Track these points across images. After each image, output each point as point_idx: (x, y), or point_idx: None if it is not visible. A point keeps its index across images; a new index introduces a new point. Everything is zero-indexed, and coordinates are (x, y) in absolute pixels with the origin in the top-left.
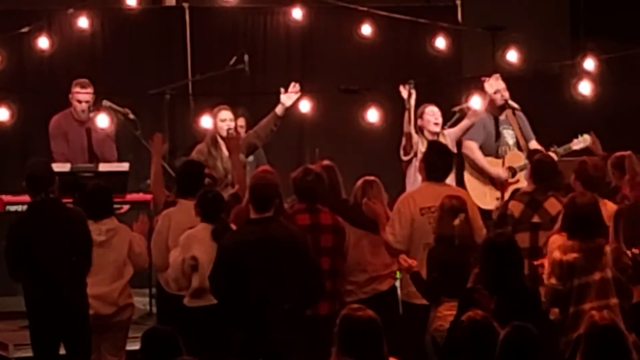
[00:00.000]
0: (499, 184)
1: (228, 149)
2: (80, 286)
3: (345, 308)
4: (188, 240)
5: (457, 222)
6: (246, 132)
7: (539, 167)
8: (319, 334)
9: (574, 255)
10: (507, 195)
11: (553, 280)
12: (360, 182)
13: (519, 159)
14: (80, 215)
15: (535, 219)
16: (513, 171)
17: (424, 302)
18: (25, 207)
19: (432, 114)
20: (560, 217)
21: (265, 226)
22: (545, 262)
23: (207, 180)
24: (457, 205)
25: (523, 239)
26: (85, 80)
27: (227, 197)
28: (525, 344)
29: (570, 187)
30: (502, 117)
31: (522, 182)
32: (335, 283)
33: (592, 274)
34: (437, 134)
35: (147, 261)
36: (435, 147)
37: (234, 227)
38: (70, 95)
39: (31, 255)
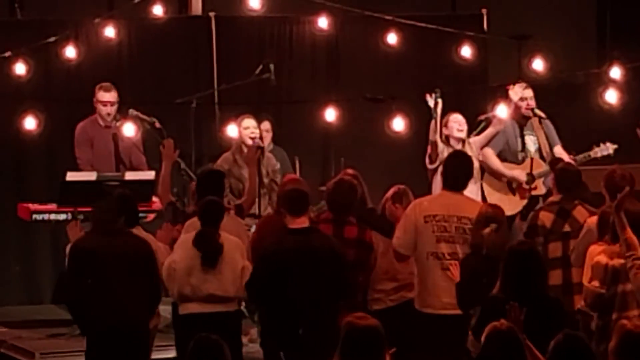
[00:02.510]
0: (516, 188)
1: (246, 160)
2: (144, 314)
3: (349, 315)
4: (177, 244)
5: (487, 231)
6: (272, 136)
7: (563, 176)
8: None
9: (620, 261)
10: (524, 202)
11: (596, 284)
12: (391, 190)
13: (539, 166)
14: (146, 247)
15: (566, 228)
16: (531, 178)
17: (434, 311)
18: (52, 216)
19: (456, 121)
20: (596, 225)
21: (306, 236)
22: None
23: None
24: (491, 215)
25: (555, 249)
26: (108, 84)
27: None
28: (577, 353)
29: (596, 197)
30: (526, 124)
31: (540, 189)
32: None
33: None
34: (463, 141)
35: None
36: (456, 157)
37: (222, 234)
38: (94, 100)
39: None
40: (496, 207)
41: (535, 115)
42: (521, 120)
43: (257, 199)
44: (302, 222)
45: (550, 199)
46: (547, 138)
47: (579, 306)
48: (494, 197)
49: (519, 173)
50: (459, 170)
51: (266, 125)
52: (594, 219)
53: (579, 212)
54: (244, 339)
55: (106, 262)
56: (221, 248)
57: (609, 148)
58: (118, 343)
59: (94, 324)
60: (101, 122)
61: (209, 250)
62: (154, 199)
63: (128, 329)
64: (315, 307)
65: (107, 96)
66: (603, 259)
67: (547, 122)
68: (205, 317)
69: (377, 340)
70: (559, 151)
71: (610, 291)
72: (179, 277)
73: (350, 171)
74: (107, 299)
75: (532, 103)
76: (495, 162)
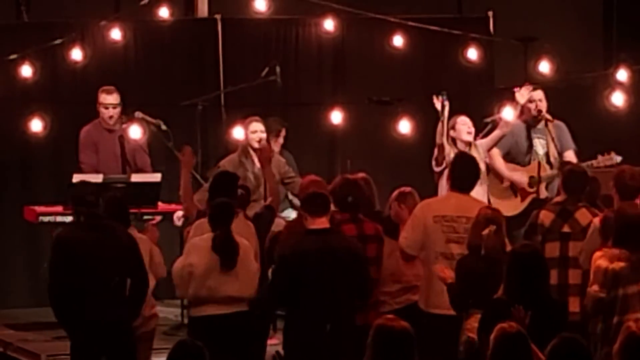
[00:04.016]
0: (518, 190)
1: (260, 161)
2: (124, 303)
3: (379, 318)
4: (190, 246)
5: (486, 232)
6: (283, 144)
7: (570, 178)
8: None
9: (621, 264)
10: (525, 205)
11: (596, 288)
12: (395, 192)
13: (543, 171)
14: (127, 236)
15: (566, 229)
16: (536, 180)
17: (442, 311)
18: (58, 218)
19: (464, 123)
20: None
21: (325, 237)
22: None
23: (240, 191)
24: (490, 217)
25: (553, 249)
26: (111, 87)
27: (260, 210)
28: (575, 355)
29: (607, 198)
30: (538, 127)
31: (542, 192)
32: (376, 293)
33: (636, 284)
34: (470, 143)
35: (166, 270)
36: (462, 158)
37: (238, 239)
38: (97, 104)
39: (77, 270)
40: (495, 209)
41: (542, 118)
42: (531, 122)
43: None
44: (322, 223)
45: (555, 199)
46: (556, 142)
47: None
48: (496, 198)
49: (519, 176)
50: (465, 171)
51: (283, 132)
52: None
53: (582, 214)
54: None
55: (91, 257)
56: (238, 249)
57: (613, 159)
58: (101, 338)
59: (78, 320)
60: (105, 126)
61: (229, 252)
62: (160, 202)
63: (111, 324)
64: (335, 307)
65: (109, 99)
66: (603, 262)
67: (561, 126)
68: (220, 318)
69: (410, 343)
70: (570, 156)
71: (610, 295)
72: (197, 280)
73: (361, 175)
74: (91, 295)
75: (541, 105)
76: (499, 164)
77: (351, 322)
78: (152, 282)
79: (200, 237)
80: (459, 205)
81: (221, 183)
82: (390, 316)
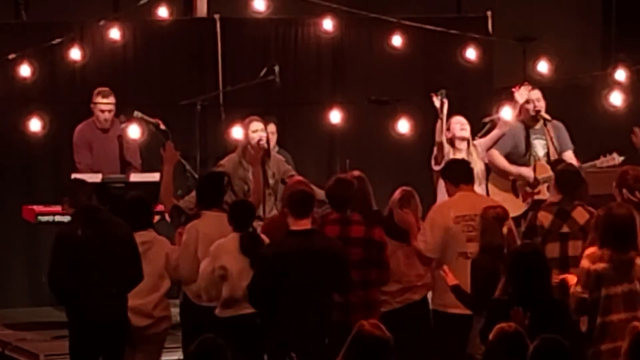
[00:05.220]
0: (519, 188)
1: (250, 159)
2: (124, 301)
3: (364, 320)
4: (218, 250)
5: (505, 230)
6: (277, 139)
7: (564, 177)
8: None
9: (603, 265)
10: (526, 206)
11: (578, 289)
12: (397, 192)
13: (544, 171)
14: (125, 228)
15: (565, 229)
16: (535, 182)
17: (459, 311)
18: (57, 218)
19: (458, 122)
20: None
21: (307, 238)
22: (569, 276)
23: None
24: (502, 214)
25: (553, 250)
26: (107, 89)
27: None
28: (555, 356)
29: (600, 199)
30: (536, 127)
31: (544, 193)
32: (367, 294)
33: (620, 285)
34: (468, 142)
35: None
36: (450, 161)
37: (264, 237)
38: (92, 105)
39: (77, 267)
40: (501, 207)
41: (540, 117)
42: (530, 122)
43: (262, 200)
44: (304, 225)
45: (550, 199)
46: (555, 142)
47: None
48: (498, 198)
49: (526, 170)
50: (460, 166)
51: (272, 127)
52: None
53: (579, 212)
54: None
55: (91, 252)
56: None
57: (615, 159)
58: (99, 338)
59: (78, 315)
60: (99, 126)
61: (257, 253)
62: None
63: (110, 320)
64: (315, 307)
65: (105, 102)
66: (585, 263)
67: (559, 126)
68: (251, 317)
69: (385, 354)
70: (569, 156)
71: (593, 295)
72: (232, 282)
73: (356, 173)
74: (90, 294)
75: (539, 105)
76: (502, 161)
77: (329, 321)
78: (166, 284)
79: (226, 239)
80: (473, 203)
81: (209, 184)
82: (373, 322)
